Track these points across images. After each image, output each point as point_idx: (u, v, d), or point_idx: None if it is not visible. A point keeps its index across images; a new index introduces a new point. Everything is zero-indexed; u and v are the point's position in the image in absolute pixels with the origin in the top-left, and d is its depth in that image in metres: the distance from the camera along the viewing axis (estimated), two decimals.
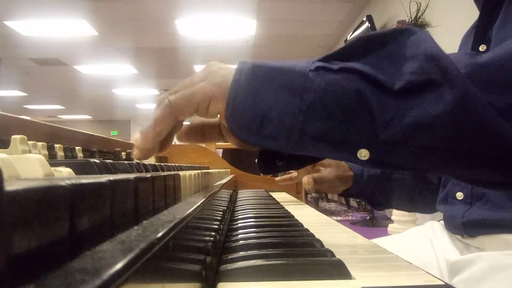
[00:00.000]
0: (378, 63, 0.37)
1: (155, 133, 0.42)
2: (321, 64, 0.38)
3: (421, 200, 0.84)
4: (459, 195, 0.68)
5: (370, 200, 0.89)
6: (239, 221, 0.60)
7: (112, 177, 0.18)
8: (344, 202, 5.06)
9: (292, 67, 0.38)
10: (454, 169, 0.40)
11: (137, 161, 0.48)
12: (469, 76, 0.36)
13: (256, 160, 0.48)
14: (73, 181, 0.14)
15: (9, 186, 0.10)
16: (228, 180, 0.99)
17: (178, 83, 0.44)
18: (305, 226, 0.56)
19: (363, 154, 0.37)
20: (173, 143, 0.49)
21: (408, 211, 1.36)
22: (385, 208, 0.94)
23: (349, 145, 0.37)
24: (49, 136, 0.64)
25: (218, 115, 0.42)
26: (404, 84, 0.35)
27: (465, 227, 0.66)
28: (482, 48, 0.62)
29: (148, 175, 0.25)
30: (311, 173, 0.91)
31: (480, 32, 0.62)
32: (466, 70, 0.36)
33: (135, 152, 0.43)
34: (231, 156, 3.18)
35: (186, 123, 0.46)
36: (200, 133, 0.49)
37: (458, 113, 0.35)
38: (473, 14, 0.65)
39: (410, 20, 3.08)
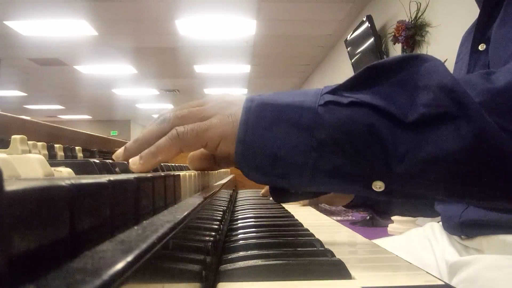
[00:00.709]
0: (389, 93, 0.36)
1: (156, 161, 0.41)
2: (330, 98, 0.37)
3: (426, 204, 0.83)
4: None
5: (374, 210, 0.89)
6: (239, 221, 0.60)
7: (112, 177, 0.18)
8: None
9: (301, 102, 0.37)
10: (473, 200, 0.39)
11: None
12: (485, 103, 0.34)
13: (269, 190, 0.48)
14: (73, 181, 0.14)
15: (9, 186, 0.10)
16: (228, 180, 0.99)
17: (186, 104, 0.43)
18: (305, 226, 0.56)
19: (378, 186, 0.36)
20: None
21: (414, 217, 1.35)
22: (390, 215, 0.93)
23: (364, 179, 0.36)
24: (49, 136, 0.64)
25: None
26: (418, 116, 0.34)
27: (462, 227, 0.66)
28: (481, 47, 0.62)
29: (148, 175, 0.25)
30: None
31: (479, 31, 0.62)
32: (483, 97, 0.35)
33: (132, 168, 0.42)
34: None
35: None
36: (213, 160, 0.48)
37: (477, 148, 0.34)
38: (473, 14, 0.65)
39: (410, 20, 3.08)
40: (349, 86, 0.38)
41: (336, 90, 0.38)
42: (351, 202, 0.88)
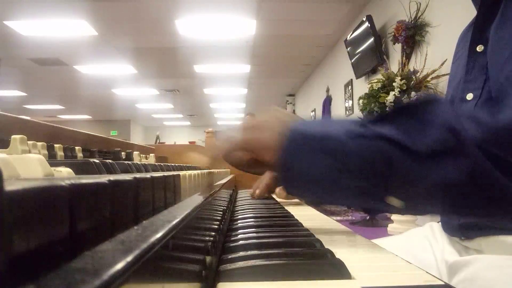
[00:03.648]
0: (407, 129, 0.45)
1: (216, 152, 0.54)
2: (359, 130, 0.46)
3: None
4: None
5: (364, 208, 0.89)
6: (238, 221, 0.60)
7: (112, 177, 0.18)
8: None
9: (337, 131, 0.46)
10: (470, 215, 0.50)
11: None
12: (489, 138, 0.43)
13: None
14: (73, 181, 0.14)
15: (9, 186, 0.10)
16: (228, 180, 0.99)
17: (254, 119, 0.53)
18: (305, 226, 0.56)
19: (394, 202, 0.45)
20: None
21: (412, 214, 1.36)
22: (380, 213, 0.93)
23: (376, 196, 0.46)
24: (49, 136, 0.64)
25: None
26: (426, 150, 0.42)
27: (462, 229, 0.66)
28: (479, 48, 0.61)
29: (148, 175, 0.25)
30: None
31: (477, 32, 0.62)
32: (488, 131, 0.43)
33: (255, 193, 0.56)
34: None
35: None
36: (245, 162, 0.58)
37: (472, 181, 0.42)
38: (473, 14, 0.65)
39: (410, 20, 3.08)
40: (377, 119, 0.46)
41: (365, 123, 0.46)
42: None
